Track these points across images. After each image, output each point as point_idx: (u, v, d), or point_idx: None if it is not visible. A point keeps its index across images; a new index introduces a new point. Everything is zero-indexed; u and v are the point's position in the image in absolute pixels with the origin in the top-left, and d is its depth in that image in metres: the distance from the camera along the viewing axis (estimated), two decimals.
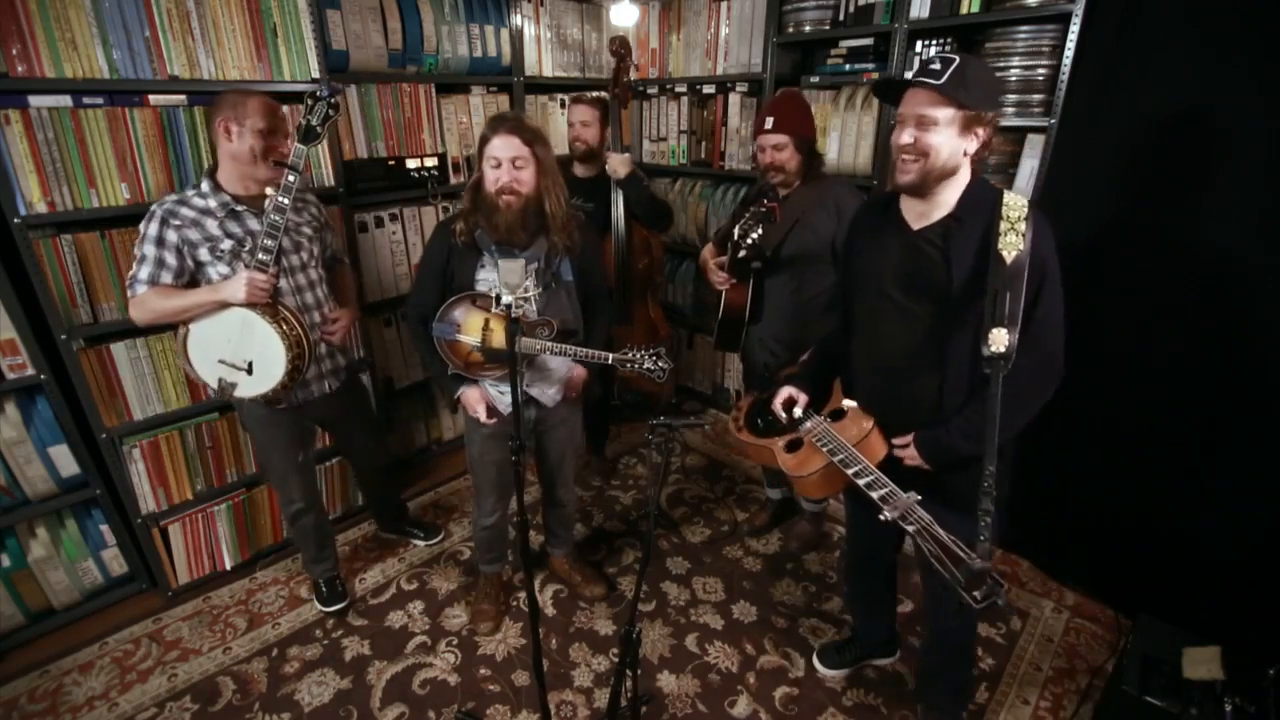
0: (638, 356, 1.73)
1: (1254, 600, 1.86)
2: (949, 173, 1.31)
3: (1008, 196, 1.31)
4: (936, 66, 1.26)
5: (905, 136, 1.31)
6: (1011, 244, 1.26)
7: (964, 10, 2.21)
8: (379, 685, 1.96)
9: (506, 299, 1.37)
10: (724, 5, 2.92)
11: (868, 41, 2.55)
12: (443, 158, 2.72)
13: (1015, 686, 1.95)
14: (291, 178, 1.68)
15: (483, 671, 2.00)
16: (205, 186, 1.75)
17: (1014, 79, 2.12)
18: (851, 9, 2.53)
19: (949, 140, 1.27)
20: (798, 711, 1.89)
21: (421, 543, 2.56)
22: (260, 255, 1.70)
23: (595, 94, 2.52)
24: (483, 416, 1.84)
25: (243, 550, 2.41)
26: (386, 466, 2.51)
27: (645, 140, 3.46)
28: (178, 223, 1.71)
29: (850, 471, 1.41)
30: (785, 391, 1.64)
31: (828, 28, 2.62)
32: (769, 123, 2.00)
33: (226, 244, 1.74)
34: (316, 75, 2.21)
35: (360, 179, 2.49)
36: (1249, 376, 1.81)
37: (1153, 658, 1.65)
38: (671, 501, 2.82)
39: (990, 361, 1.25)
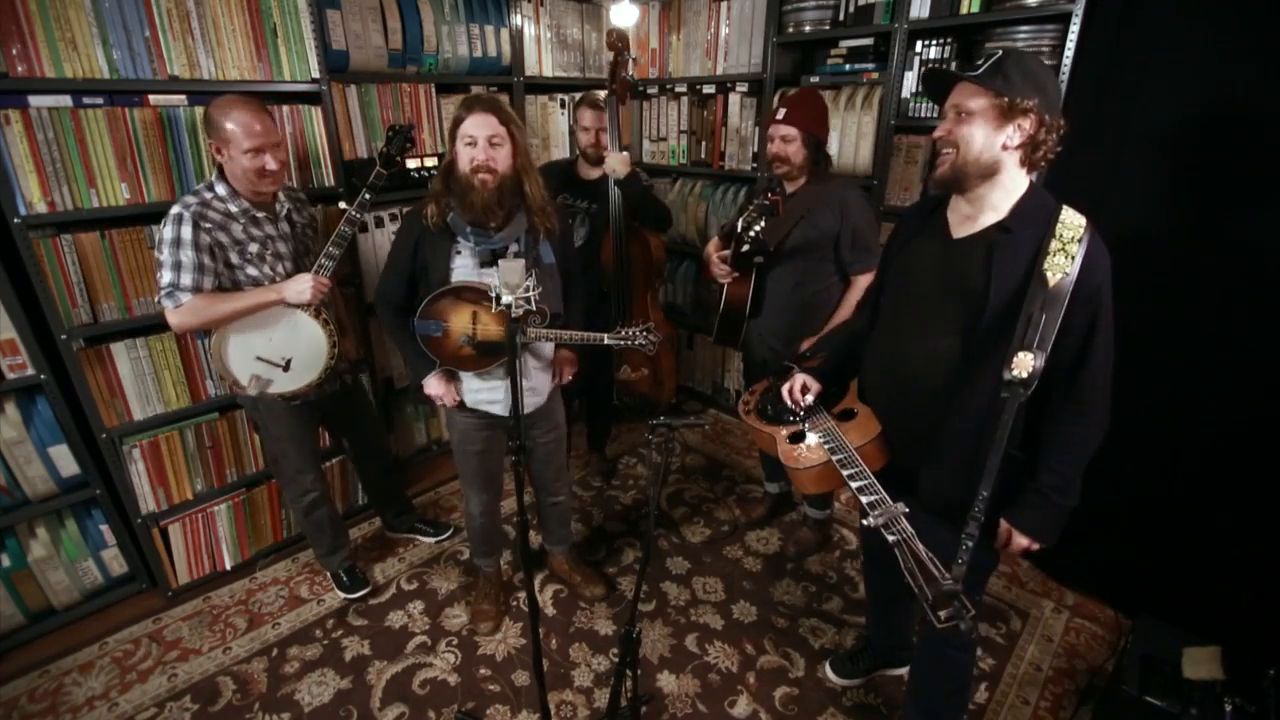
0: (630, 333, 1.77)
1: (1254, 600, 1.86)
2: (987, 168, 1.24)
3: (1065, 213, 1.22)
4: (980, 62, 1.23)
5: (940, 129, 1.28)
6: (1059, 266, 1.17)
7: (964, 10, 2.21)
8: (379, 685, 1.96)
9: (507, 299, 1.36)
10: (724, 5, 2.92)
11: (868, 41, 2.55)
12: (443, 158, 2.70)
13: (1015, 686, 1.95)
14: (368, 195, 1.88)
15: (483, 671, 2.00)
16: (222, 190, 1.75)
17: None
18: (851, 9, 2.53)
19: (983, 131, 1.21)
20: (798, 711, 1.89)
21: (430, 539, 2.57)
22: (323, 260, 1.83)
23: (605, 95, 2.52)
24: (449, 401, 1.85)
25: (243, 550, 2.41)
26: (388, 465, 2.54)
27: (645, 140, 3.45)
28: (208, 225, 1.72)
29: (845, 473, 1.40)
30: (799, 379, 1.62)
31: (828, 28, 2.61)
32: (781, 113, 2.05)
33: (254, 247, 1.80)
34: (316, 75, 2.21)
35: (360, 179, 2.47)
36: (1249, 376, 1.81)
37: (1153, 658, 1.65)
38: (671, 501, 2.82)
39: (1009, 386, 1.17)
